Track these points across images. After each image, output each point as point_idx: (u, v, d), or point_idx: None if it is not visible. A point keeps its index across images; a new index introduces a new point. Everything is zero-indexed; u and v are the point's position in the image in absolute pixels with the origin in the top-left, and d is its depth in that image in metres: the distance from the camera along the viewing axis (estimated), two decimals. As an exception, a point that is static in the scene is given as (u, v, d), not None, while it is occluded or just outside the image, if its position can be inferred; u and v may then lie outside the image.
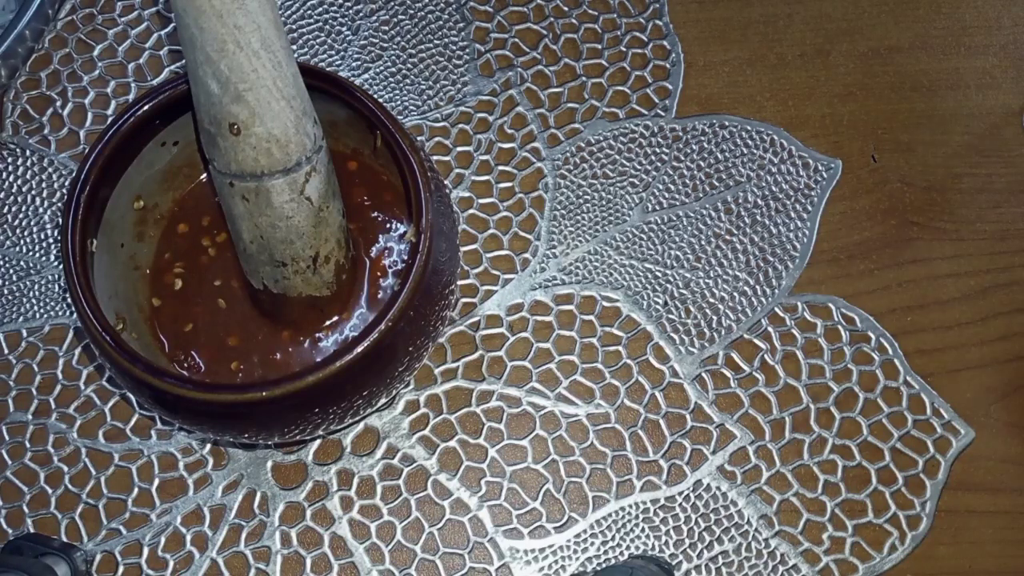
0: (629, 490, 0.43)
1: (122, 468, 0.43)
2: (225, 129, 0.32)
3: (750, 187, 0.47)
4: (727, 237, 0.46)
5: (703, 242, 0.46)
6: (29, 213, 0.47)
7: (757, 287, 0.45)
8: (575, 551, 0.42)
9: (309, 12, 0.50)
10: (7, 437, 0.44)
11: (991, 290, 0.46)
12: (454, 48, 0.50)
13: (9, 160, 0.48)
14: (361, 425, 0.44)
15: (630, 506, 0.43)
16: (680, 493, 0.43)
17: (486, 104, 0.49)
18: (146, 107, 0.36)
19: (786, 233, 0.46)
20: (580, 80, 0.49)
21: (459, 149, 0.48)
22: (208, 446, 0.44)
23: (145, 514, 0.43)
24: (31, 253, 0.47)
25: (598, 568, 0.42)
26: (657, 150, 0.48)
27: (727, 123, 0.48)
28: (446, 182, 0.47)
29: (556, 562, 0.42)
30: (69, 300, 0.45)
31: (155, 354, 0.38)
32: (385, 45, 0.50)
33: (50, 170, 0.48)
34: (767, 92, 0.49)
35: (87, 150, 0.36)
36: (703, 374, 0.44)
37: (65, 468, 0.44)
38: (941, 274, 0.46)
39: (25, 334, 0.45)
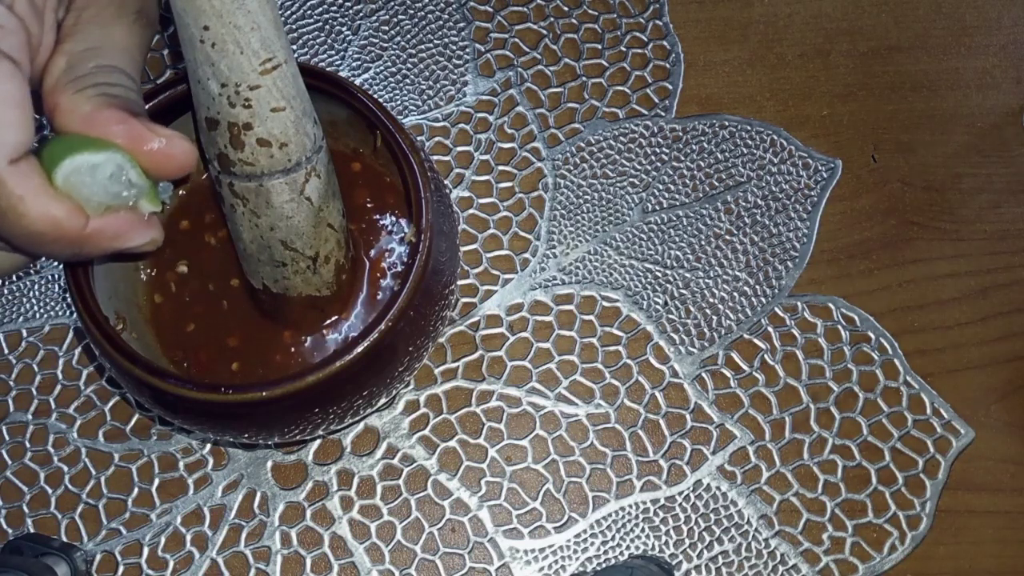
0: (629, 490, 0.43)
1: (122, 468, 0.43)
2: (225, 129, 0.32)
3: (750, 187, 0.47)
4: (727, 237, 0.46)
5: (703, 242, 0.46)
6: (29, 213, 0.47)
7: (757, 287, 0.45)
8: (575, 551, 0.42)
9: (309, 12, 0.50)
10: (7, 437, 0.44)
11: (991, 290, 0.46)
12: (454, 48, 0.50)
13: (9, 160, 0.48)
14: (361, 425, 0.44)
15: (630, 506, 0.43)
16: (680, 493, 0.43)
17: (486, 104, 0.49)
18: (146, 107, 0.36)
19: (786, 233, 0.46)
20: (580, 80, 0.49)
21: (459, 149, 0.48)
22: (208, 446, 0.44)
23: (145, 514, 0.43)
24: (31, 253, 0.47)
25: (598, 568, 0.42)
26: (657, 150, 0.48)
27: (727, 123, 0.48)
28: (446, 182, 0.47)
29: (556, 562, 0.42)
30: (69, 300, 0.45)
31: (155, 354, 0.38)
32: (385, 45, 0.50)
33: (50, 170, 0.48)
34: (767, 92, 0.49)
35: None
36: (703, 374, 0.44)
37: (65, 468, 0.44)
38: (941, 274, 0.46)
39: (25, 334, 0.45)
